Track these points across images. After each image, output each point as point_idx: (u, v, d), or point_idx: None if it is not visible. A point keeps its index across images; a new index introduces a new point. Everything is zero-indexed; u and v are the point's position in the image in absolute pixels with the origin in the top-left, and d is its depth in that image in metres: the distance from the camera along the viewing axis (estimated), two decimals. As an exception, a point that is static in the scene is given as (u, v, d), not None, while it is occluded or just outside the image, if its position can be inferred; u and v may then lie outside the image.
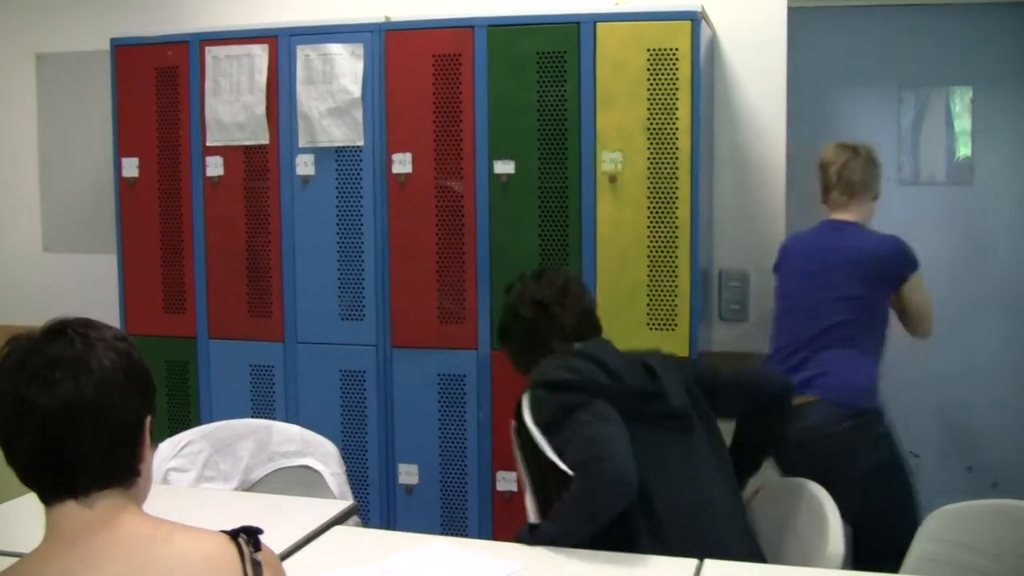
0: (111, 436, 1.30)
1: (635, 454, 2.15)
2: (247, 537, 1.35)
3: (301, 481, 2.74)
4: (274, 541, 1.41)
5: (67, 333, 1.31)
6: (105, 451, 1.30)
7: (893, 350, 3.16)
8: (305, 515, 2.32)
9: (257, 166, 3.41)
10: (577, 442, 2.16)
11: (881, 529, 2.78)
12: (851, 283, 2.99)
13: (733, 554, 2.17)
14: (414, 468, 3.33)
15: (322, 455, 2.77)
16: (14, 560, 1.34)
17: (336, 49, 3.29)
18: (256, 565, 1.33)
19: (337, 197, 3.34)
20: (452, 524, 3.30)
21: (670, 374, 2.42)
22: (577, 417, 2.20)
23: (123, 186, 3.55)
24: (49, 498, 1.33)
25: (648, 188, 3.09)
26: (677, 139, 3.05)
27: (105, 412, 1.29)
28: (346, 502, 2.49)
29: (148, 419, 1.35)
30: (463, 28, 3.20)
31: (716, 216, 3.53)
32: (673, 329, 3.09)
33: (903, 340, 3.22)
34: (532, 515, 2.30)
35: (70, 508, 1.31)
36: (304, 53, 3.33)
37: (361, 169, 3.31)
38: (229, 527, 1.37)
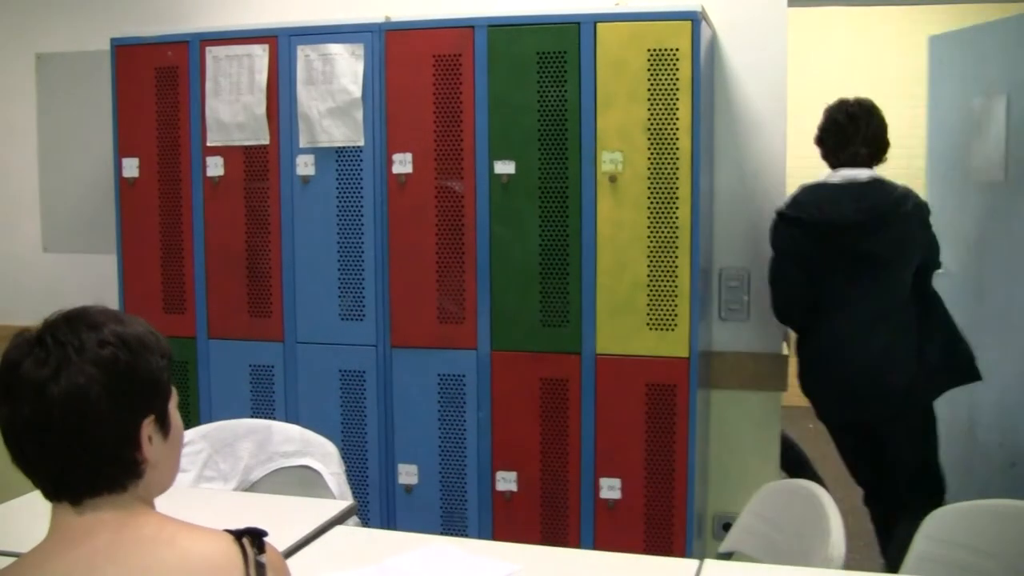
0: (89, 451, 1.27)
1: (816, 281, 3.28)
2: (251, 538, 1.35)
3: (301, 481, 2.74)
4: (274, 541, 1.41)
5: (47, 344, 1.27)
6: (85, 465, 1.28)
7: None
8: (305, 515, 2.31)
9: (257, 166, 3.41)
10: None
11: None
12: None
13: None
14: (414, 468, 3.33)
15: (322, 455, 2.77)
16: (14, 560, 1.34)
17: (336, 49, 3.29)
18: (260, 567, 1.32)
19: (337, 197, 3.34)
20: (452, 524, 3.30)
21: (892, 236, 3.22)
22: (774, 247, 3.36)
23: (123, 186, 3.55)
24: (48, 498, 1.32)
25: (648, 188, 3.09)
26: (677, 139, 3.05)
27: (76, 430, 1.25)
28: (346, 502, 2.48)
29: (147, 420, 1.33)
30: (463, 28, 3.20)
31: (716, 215, 3.53)
32: (673, 329, 3.09)
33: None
34: None
35: (68, 510, 1.31)
36: (304, 53, 3.33)
37: (361, 169, 3.31)
38: (231, 528, 1.37)
